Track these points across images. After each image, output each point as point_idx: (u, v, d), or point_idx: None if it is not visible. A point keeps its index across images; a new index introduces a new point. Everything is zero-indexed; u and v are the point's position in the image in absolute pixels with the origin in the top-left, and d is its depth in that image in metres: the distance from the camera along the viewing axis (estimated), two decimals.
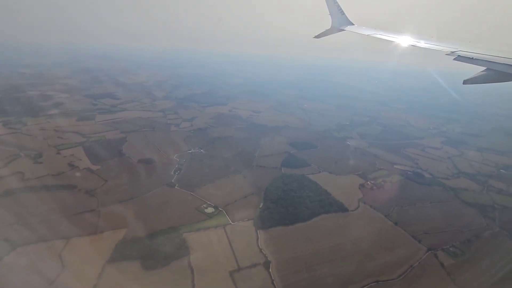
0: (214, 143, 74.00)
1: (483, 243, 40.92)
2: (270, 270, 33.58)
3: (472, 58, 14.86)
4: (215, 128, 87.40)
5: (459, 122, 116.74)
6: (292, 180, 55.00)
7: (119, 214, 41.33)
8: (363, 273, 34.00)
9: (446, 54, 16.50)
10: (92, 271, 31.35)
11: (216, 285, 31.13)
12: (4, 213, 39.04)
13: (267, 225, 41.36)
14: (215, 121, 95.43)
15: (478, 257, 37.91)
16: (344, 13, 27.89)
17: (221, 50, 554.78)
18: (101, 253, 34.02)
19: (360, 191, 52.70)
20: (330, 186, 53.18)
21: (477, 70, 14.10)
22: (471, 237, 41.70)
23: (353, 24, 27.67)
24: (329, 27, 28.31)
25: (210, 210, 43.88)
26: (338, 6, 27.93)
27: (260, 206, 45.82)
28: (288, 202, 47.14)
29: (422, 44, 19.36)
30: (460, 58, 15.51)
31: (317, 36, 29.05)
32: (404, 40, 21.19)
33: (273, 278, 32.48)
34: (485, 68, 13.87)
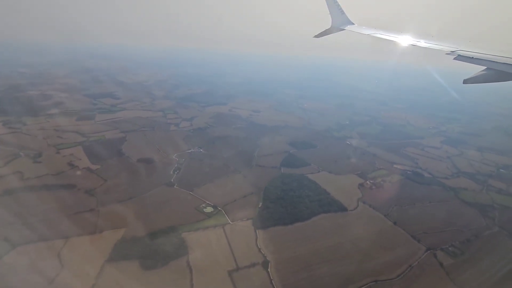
0: (213, 143, 73.99)
1: (483, 243, 40.93)
2: (268, 269, 33.59)
3: (472, 57, 14.83)
4: (214, 128, 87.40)
5: (459, 121, 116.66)
6: (292, 179, 55.00)
7: (118, 214, 41.35)
8: (362, 272, 34.01)
9: (446, 54, 16.46)
10: (91, 271, 31.37)
11: (214, 285, 31.14)
12: (4, 213, 39.00)
13: (266, 224, 41.37)
14: (215, 120, 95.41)
15: (477, 257, 37.93)
16: (344, 13, 27.82)
17: (221, 50, 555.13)
18: (100, 252, 34.03)
19: (359, 191, 52.69)
20: (329, 185, 53.17)
21: (477, 69, 14.08)
22: (471, 237, 41.70)
23: (353, 24, 27.59)
24: (329, 26, 28.22)
25: (209, 209, 43.90)
26: (338, 5, 27.85)
27: (259, 206, 45.83)
28: (287, 202, 47.15)
29: (422, 43, 19.31)
30: (460, 57, 15.48)
31: (317, 36, 28.97)
32: (404, 40, 21.12)
33: (271, 278, 32.49)
34: (485, 67, 13.85)
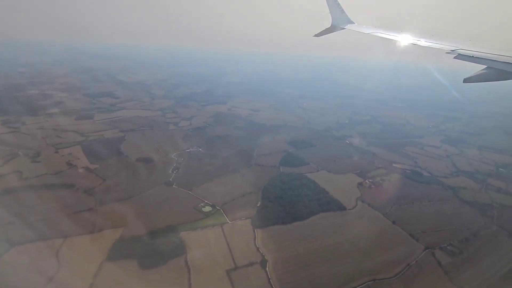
0: (212, 142, 73.93)
1: (481, 242, 40.86)
2: (267, 269, 33.59)
3: (473, 56, 14.77)
4: (214, 127, 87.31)
5: (459, 120, 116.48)
6: (291, 178, 54.95)
7: (117, 213, 41.36)
8: (360, 271, 34.00)
9: (447, 53, 16.40)
10: (90, 270, 31.38)
11: (212, 284, 31.13)
12: (2, 212, 39.04)
13: (265, 224, 41.34)
14: (214, 120, 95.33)
15: (476, 256, 37.88)
16: (344, 12, 27.72)
17: (221, 49, 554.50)
18: (98, 251, 34.05)
19: (358, 190, 52.64)
20: (328, 184, 53.12)
21: (477, 68, 14.00)
22: (469, 236, 41.66)
23: (353, 23, 27.47)
24: (329, 25, 28.12)
25: (207, 209, 43.88)
26: (338, 4, 27.75)
27: (258, 205, 45.80)
28: (286, 201, 47.11)
29: (423, 42, 19.23)
30: (460, 56, 15.41)
31: (317, 35, 28.87)
32: (405, 39, 21.03)
33: (270, 277, 32.49)
34: (486, 66, 13.77)
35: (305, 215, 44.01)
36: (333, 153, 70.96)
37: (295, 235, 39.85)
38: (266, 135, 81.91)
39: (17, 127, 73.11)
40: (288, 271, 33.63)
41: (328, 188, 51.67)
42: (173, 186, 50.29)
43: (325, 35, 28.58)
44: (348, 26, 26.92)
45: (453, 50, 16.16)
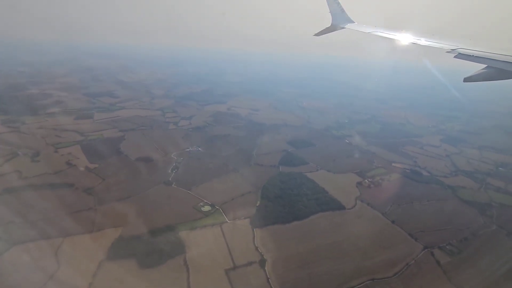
0: (212, 141, 73.93)
1: (480, 241, 40.88)
2: (265, 268, 33.63)
3: (473, 55, 14.77)
4: (213, 127, 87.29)
5: (459, 120, 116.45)
6: (290, 178, 54.97)
7: (116, 212, 41.39)
8: (359, 271, 34.03)
9: (447, 52, 16.40)
10: (88, 269, 31.41)
11: (211, 284, 31.18)
12: (2, 211, 39.09)
13: (264, 223, 41.35)
14: (214, 119, 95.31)
15: (475, 255, 37.90)
16: (344, 11, 27.70)
17: (221, 49, 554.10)
18: (97, 251, 34.08)
19: (357, 189, 52.66)
20: (327, 184, 53.13)
21: (477, 67, 14.03)
22: (468, 235, 41.67)
23: (353, 22, 27.45)
24: (330, 25, 28.10)
25: (206, 208, 43.89)
26: (339, 3, 27.74)
27: (257, 205, 45.82)
28: (285, 200, 47.15)
29: (423, 41, 19.24)
30: (460, 55, 15.41)
31: (317, 34, 28.87)
32: (405, 38, 21.04)
33: (268, 276, 32.54)
34: (486, 65, 13.80)
35: (304, 214, 44.02)
36: (333, 153, 70.96)
37: (294, 234, 39.88)
38: (266, 135, 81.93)
39: (17, 126, 73.10)
40: (287, 271, 33.69)
41: (327, 188, 51.69)
42: (173, 185, 50.31)
43: (325, 35, 28.59)
44: (348, 26, 26.90)
45: (453, 49, 16.17)
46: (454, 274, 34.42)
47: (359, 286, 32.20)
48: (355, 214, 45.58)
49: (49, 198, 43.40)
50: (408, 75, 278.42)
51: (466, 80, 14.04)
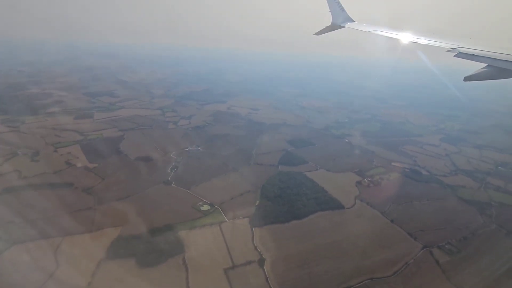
0: (211, 141, 73.94)
1: (480, 241, 40.86)
2: (264, 267, 33.65)
3: (473, 54, 14.72)
4: (213, 126, 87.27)
5: (459, 119, 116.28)
6: (289, 177, 54.97)
7: (115, 212, 41.45)
8: (358, 270, 34.04)
9: (447, 51, 16.37)
10: (88, 269, 31.44)
11: (210, 283, 31.21)
12: (1, 211, 39.15)
13: (263, 222, 41.35)
14: (214, 118, 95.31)
15: (474, 255, 37.88)
16: (344, 10, 27.65)
17: (221, 48, 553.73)
18: (96, 250, 34.12)
19: (357, 189, 52.65)
20: (327, 183, 53.13)
21: (478, 66, 13.99)
22: (468, 235, 41.65)
23: (353, 21, 27.39)
24: (329, 24, 28.06)
25: (206, 207, 43.91)
26: (339, 2, 27.70)
27: (256, 204, 45.82)
28: (285, 200, 47.15)
29: (423, 40, 19.20)
30: (461, 54, 15.37)
31: (317, 33, 28.86)
32: (405, 37, 20.99)
33: (267, 276, 32.56)
34: (486, 64, 13.75)
35: (303, 213, 44.03)
36: (332, 152, 70.94)
37: (293, 233, 39.89)
38: (266, 134, 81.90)
39: (17, 126, 73.19)
40: (286, 270, 33.70)
41: (326, 187, 51.68)
42: (172, 185, 50.34)
43: (325, 34, 28.56)
44: (348, 25, 26.85)
45: (453, 48, 16.15)
46: (453, 273, 34.43)
47: (358, 285, 32.22)
48: (354, 213, 45.58)
49: (49, 198, 43.43)
50: (408, 74, 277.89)
51: (466, 79, 13.99)
